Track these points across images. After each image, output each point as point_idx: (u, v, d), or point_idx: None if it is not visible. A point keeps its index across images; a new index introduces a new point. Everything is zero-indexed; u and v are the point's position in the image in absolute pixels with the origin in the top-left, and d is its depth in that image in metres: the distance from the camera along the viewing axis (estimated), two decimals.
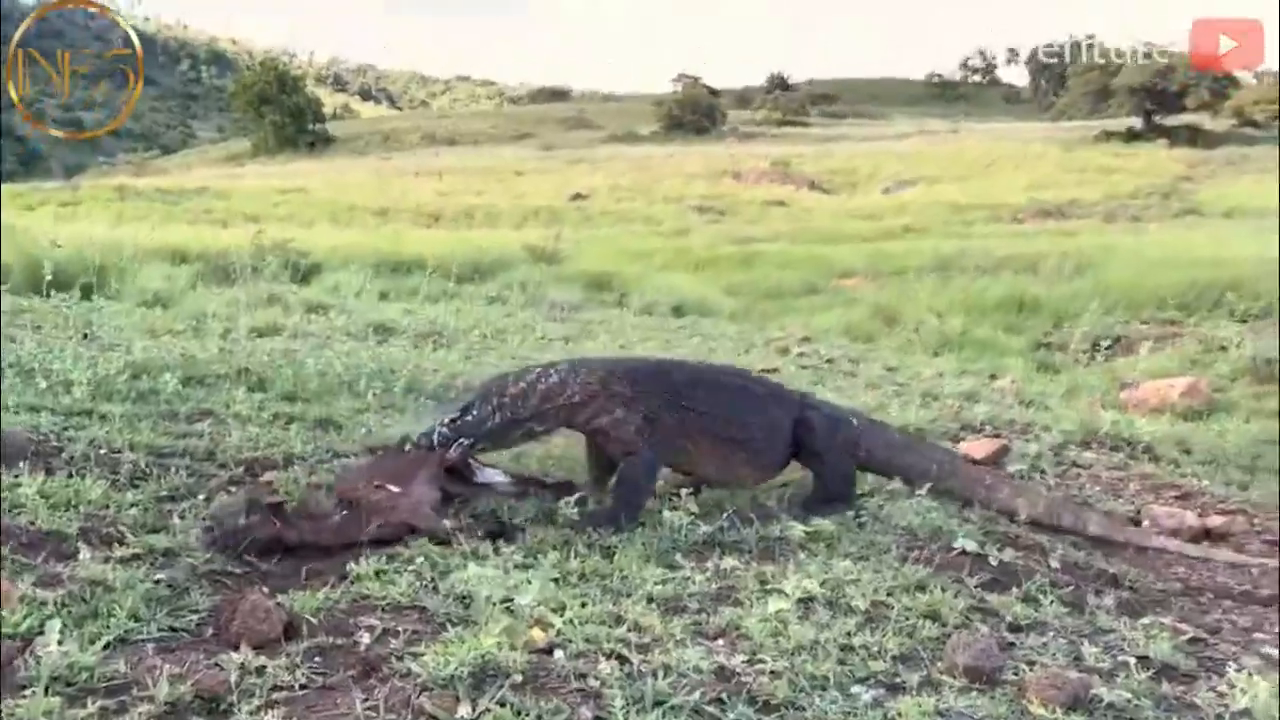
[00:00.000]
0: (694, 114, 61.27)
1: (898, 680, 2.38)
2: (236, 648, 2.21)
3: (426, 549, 2.95)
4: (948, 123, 62.27)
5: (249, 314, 7.58)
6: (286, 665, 2.16)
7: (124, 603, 2.38)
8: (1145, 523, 4.32)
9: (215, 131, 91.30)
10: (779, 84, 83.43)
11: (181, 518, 3.09)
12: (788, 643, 2.48)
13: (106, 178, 43.99)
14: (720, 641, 2.51)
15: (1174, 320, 11.01)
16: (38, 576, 2.51)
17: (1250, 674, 2.48)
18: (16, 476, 3.15)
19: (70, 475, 3.26)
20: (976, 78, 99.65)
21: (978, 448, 5.04)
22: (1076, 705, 2.30)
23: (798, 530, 3.37)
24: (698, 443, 3.66)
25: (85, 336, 5.90)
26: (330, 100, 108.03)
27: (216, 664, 2.14)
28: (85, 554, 2.67)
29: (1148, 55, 41.05)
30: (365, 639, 2.36)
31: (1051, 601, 3.00)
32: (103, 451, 3.60)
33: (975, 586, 3.05)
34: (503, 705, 2.03)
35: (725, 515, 3.44)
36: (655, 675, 2.23)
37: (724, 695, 2.19)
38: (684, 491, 3.54)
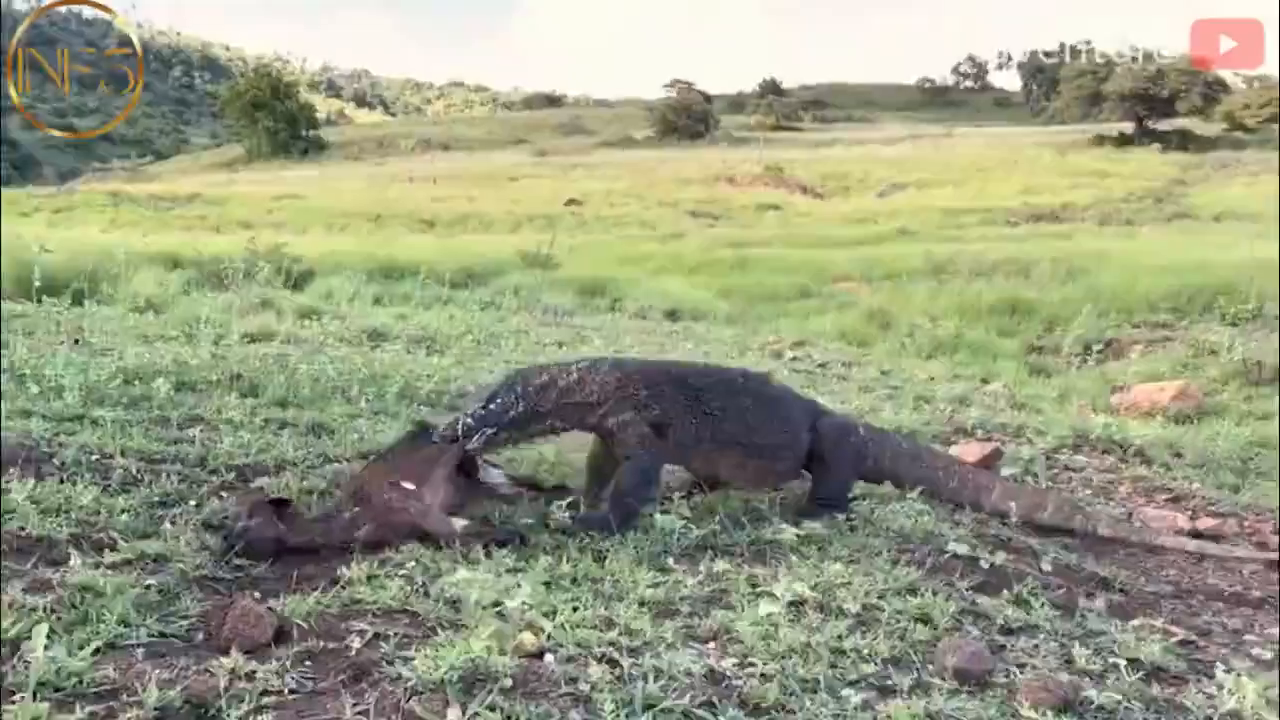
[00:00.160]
0: (688, 119, 61.44)
1: (888, 683, 2.38)
2: (227, 653, 2.20)
3: (418, 553, 2.95)
4: (940, 127, 62.43)
5: (242, 320, 7.57)
6: (276, 670, 2.16)
7: (114, 608, 2.36)
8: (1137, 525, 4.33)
9: (209, 138, 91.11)
10: (772, 89, 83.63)
11: (173, 523, 3.08)
12: (778, 646, 2.48)
13: (100, 184, 43.87)
14: (711, 645, 2.51)
15: (1165, 324, 11.05)
16: (27, 582, 2.50)
17: (1239, 675, 2.48)
18: (7, 482, 3.14)
19: (61, 481, 3.25)
20: (968, 83, 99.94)
21: (970, 451, 5.05)
22: (1067, 707, 2.31)
23: (790, 534, 3.37)
24: (720, 448, 3.66)
25: (77, 342, 5.88)
26: (324, 106, 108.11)
27: (206, 669, 2.14)
28: (76, 559, 2.66)
29: (1137, 60, 41.25)
30: (356, 643, 2.35)
31: (1042, 604, 3.01)
32: (94, 457, 3.58)
33: (966, 589, 3.05)
34: (492, 709, 2.03)
35: (717, 519, 3.45)
36: (646, 679, 2.23)
37: (714, 698, 2.19)
38: (676, 495, 3.55)
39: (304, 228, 25.63)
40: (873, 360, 9.05)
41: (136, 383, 4.70)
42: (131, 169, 56.52)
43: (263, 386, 4.97)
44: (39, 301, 6.87)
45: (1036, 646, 2.71)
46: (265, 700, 2.06)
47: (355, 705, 2.05)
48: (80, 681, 2.04)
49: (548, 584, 2.76)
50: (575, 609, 2.58)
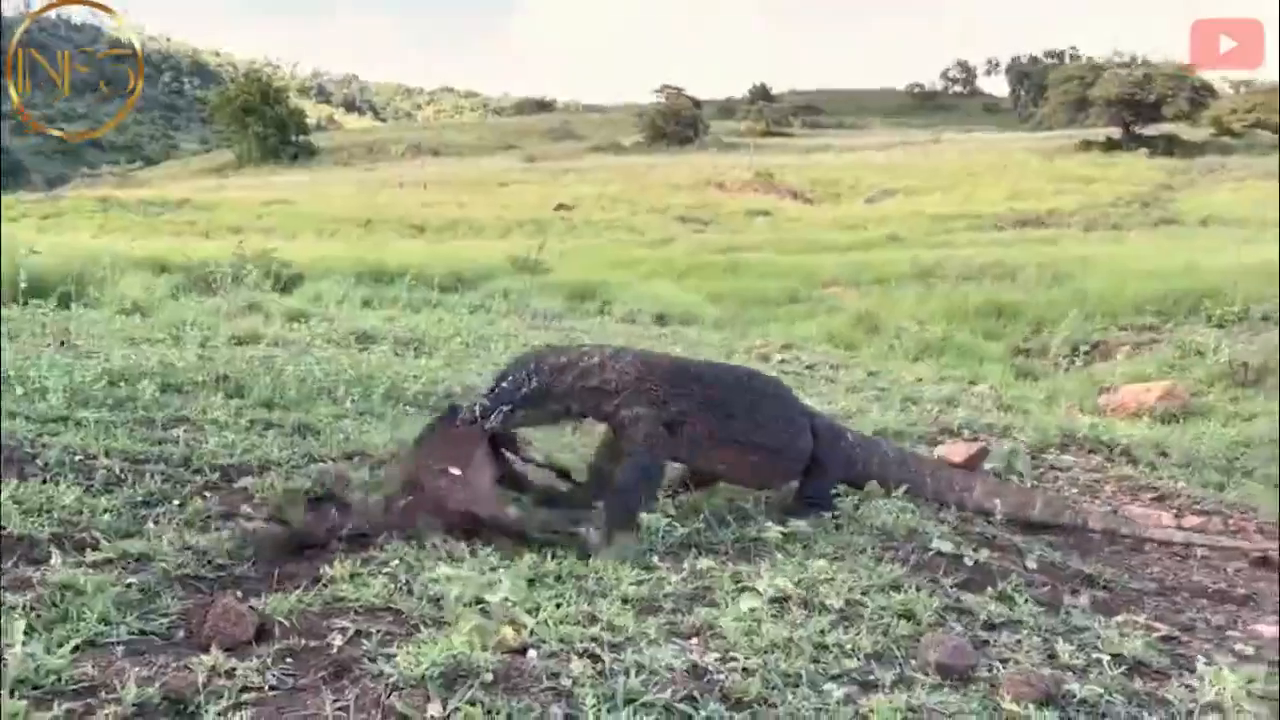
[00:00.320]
0: (677, 124, 61.38)
1: (871, 678, 2.39)
2: (207, 650, 2.19)
3: (401, 550, 2.94)
4: (929, 133, 62.63)
5: (229, 323, 7.54)
6: (257, 667, 2.15)
7: (94, 606, 2.35)
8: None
9: (198, 143, 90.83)
10: (761, 95, 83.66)
11: (156, 523, 3.08)
12: (761, 641, 2.48)
13: (90, 189, 43.70)
14: (694, 640, 2.51)
15: (1152, 326, 11.09)
16: (7, 581, 2.49)
17: (1220, 669, 2.50)
18: None
19: (44, 481, 3.24)
20: (957, 88, 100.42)
21: (957, 451, 5.06)
22: (1049, 701, 2.32)
23: (774, 532, 3.38)
24: (729, 447, 3.66)
25: (62, 344, 5.86)
26: (314, 112, 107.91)
27: (185, 666, 2.13)
28: (57, 558, 2.65)
29: (1125, 64, 41.41)
30: (338, 640, 2.34)
31: (1026, 600, 3.02)
32: (77, 458, 3.56)
33: (950, 586, 3.06)
34: (473, 704, 2.03)
35: (702, 517, 3.45)
36: (627, 673, 2.23)
37: (696, 693, 2.19)
38: (661, 494, 3.55)
39: (294, 233, 25.54)
40: (860, 363, 9.07)
41: (122, 384, 4.67)
42: (121, 174, 56.27)
43: (248, 388, 4.95)
44: (24, 304, 6.84)
45: (1020, 642, 2.72)
46: (245, 697, 2.05)
47: (335, 701, 2.04)
48: (59, 679, 2.03)
49: (531, 581, 2.76)
50: (558, 605, 2.58)
